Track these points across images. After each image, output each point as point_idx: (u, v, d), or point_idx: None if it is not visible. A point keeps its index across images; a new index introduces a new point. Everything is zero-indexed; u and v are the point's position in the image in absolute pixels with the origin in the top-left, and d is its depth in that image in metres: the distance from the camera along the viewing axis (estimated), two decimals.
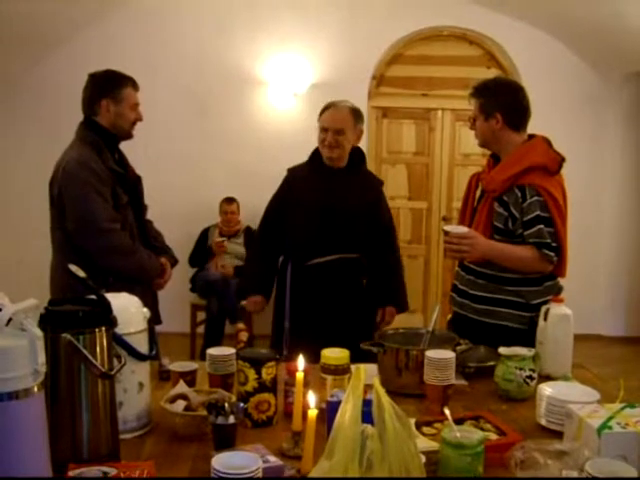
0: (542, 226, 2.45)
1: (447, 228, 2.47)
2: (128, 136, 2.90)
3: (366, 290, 3.25)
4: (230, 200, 5.92)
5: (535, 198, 2.47)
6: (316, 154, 3.20)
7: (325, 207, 3.11)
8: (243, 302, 3.37)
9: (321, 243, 3.12)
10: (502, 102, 2.59)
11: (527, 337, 2.36)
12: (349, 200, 3.14)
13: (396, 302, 3.34)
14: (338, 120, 3.07)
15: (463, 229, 2.47)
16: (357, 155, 3.23)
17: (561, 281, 2.63)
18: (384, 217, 3.34)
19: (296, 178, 3.25)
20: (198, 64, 6.10)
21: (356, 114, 3.14)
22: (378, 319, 3.29)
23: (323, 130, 3.09)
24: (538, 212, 2.46)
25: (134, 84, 2.88)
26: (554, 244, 2.46)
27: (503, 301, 2.56)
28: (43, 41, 5.74)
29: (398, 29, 6.23)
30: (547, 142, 2.61)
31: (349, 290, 3.17)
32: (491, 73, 6.07)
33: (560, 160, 2.55)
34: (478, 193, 2.74)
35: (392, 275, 3.36)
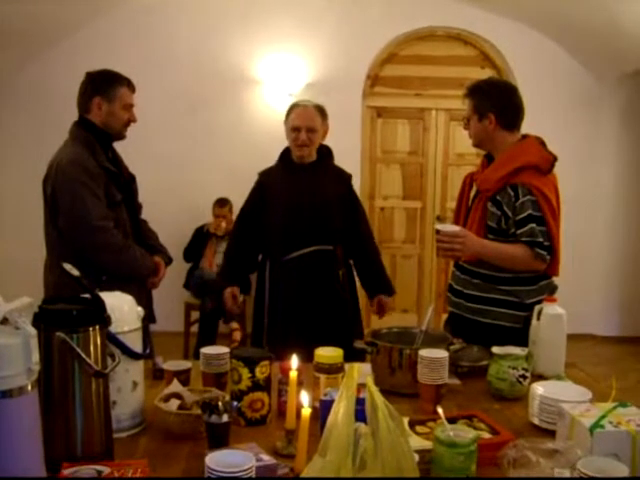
0: (534, 225, 2.46)
1: (439, 227, 2.48)
2: (120, 136, 2.89)
3: (343, 282, 3.31)
4: (222, 203, 5.89)
5: (527, 197, 2.48)
6: (285, 154, 3.32)
7: (298, 202, 3.21)
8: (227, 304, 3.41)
9: (297, 238, 3.20)
10: (495, 102, 2.61)
11: (522, 336, 2.36)
12: (321, 193, 3.25)
13: (385, 289, 3.44)
14: (309, 119, 3.18)
15: (454, 228, 2.49)
16: (324, 151, 3.34)
17: (554, 281, 2.64)
18: (357, 208, 3.43)
19: (269, 179, 3.35)
20: (192, 63, 6.08)
21: (322, 111, 3.26)
22: (374, 311, 3.41)
23: (295, 130, 3.19)
24: (530, 211, 2.47)
25: (129, 85, 2.87)
26: (546, 243, 2.47)
27: (497, 300, 2.57)
28: (37, 39, 5.71)
29: (393, 29, 6.23)
30: (540, 142, 2.63)
31: (326, 282, 3.24)
32: (485, 73, 6.09)
33: (552, 160, 2.56)
34: (472, 193, 2.75)
35: (374, 264, 3.46)
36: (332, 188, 3.30)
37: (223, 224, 5.81)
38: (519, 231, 2.48)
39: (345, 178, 3.43)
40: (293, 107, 3.26)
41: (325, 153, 3.35)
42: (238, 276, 3.43)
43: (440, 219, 6.38)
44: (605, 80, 6.32)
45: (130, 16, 6.01)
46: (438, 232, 2.45)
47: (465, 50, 6.42)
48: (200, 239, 5.94)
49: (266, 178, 3.37)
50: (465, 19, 6.21)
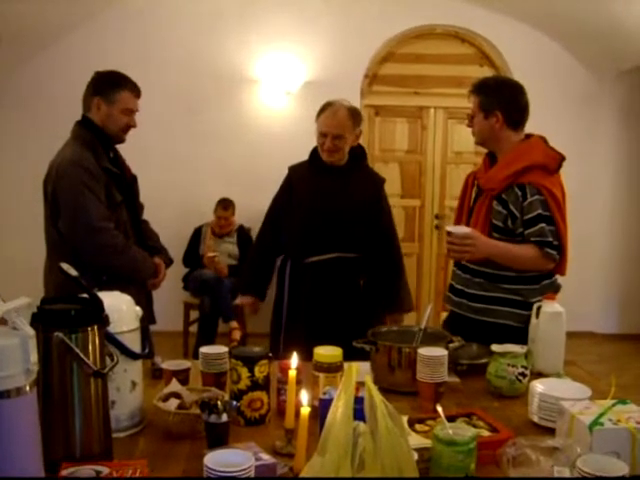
0: (544, 225, 2.45)
1: (449, 228, 2.44)
2: (118, 139, 2.87)
3: (363, 290, 3.21)
4: (226, 206, 5.84)
5: (536, 197, 2.46)
6: (316, 152, 3.16)
7: (325, 206, 3.10)
8: (237, 301, 3.37)
9: (320, 241, 3.10)
10: (503, 100, 2.58)
11: (525, 335, 2.36)
12: (349, 199, 3.12)
13: (401, 306, 3.31)
14: (336, 126, 3.02)
15: (465, 229, 2.45)
16: (358, 152, 3.21)
17: (559, 279, 2.63)
18: (384, 216, 3.28)
19: (297, 176, 3.23)
20: (189, 63, 6.08)
21: (355, 116, 3.09)
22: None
23: (322, 135, 3.06)
24: (539, 211, 2.45)
25: (134, 90, 2.84)
26: (556, 242, 2.46)
27: (501, 299, 2.55)
28: (30, 42, 5.69)
29: (391, 27, 6.23)
30: (544, 141, 2.61)
31: (346, 289, 3.14)
32: (484, 71, 6.10)
33: (560, 159, 2.54)
34: (474, 192, 2.73)
35: (395, 278, 3.30)
36: (360, 193, 3.15)
37: (217, 258, 5.74)
38: (528, 231, 2.47)
39: (377, 182, 3.28)
40: (325, 107, 3.08)
41: (358, 154, 3.19)
42: (260, 286, 3.29)
43: (439, 218, 6.40)
44: (603, 77, 6.32)
45: (124, 17, 6.00)
46: (449, 234, 2.42)
47: (463, 48, 6.42)
48: (197, 245, 5.93)
49: (294, 173, 3.24)
50: (463, 17, 6.21)
